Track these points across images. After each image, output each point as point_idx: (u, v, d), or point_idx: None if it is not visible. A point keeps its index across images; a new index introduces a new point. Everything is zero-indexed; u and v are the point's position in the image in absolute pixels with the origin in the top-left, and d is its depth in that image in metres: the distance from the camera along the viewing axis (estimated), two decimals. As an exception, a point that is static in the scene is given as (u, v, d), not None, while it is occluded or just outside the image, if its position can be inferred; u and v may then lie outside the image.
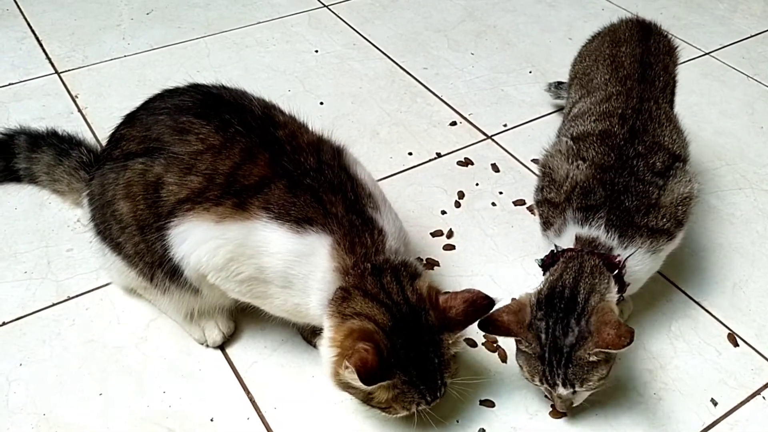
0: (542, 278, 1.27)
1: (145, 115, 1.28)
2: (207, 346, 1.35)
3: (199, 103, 1.24)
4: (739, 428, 1.28)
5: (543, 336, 1.16)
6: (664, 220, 1.28)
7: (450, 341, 1.14)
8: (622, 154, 1.33)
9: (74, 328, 1.37)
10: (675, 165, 1.35)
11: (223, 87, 1.31)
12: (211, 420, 1.24)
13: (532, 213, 1.68)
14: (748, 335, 1.43)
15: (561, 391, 1.18)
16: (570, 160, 1.36)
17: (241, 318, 1.38)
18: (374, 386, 1.08)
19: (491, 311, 1.15)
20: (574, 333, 1.15)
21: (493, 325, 1.17)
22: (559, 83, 1.99)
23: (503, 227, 1.65)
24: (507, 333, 1.18)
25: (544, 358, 1.16)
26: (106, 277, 1.45)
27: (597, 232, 1.26)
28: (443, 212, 1.68)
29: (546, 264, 1.28)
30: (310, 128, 1.29)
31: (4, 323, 1.37)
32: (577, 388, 1.17)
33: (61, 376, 1.29)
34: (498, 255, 1.58)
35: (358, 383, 1.06)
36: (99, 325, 1.38)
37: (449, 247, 1.58)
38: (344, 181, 1.20)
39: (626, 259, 1.24)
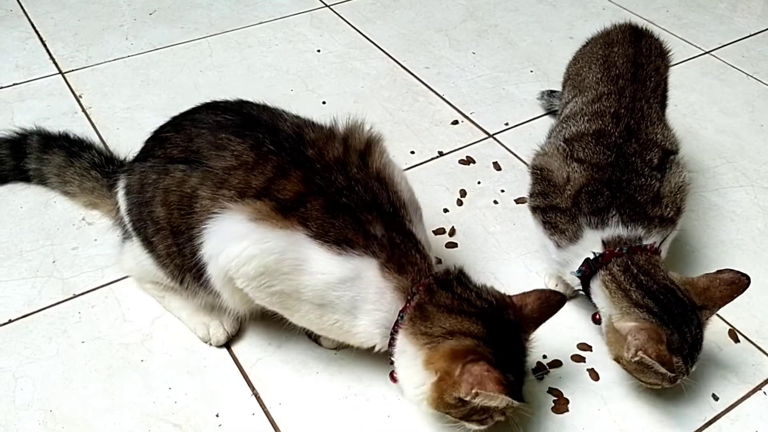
0: (575, 283, 1.32)
1: (190, 126, 1.27)
2: (211, 344, 1.36)
3: (239, 122, 1.24)
4: (740, 423, 1.29)
5: (683, 344, 1.18)
6: (668, 209, 1.33)
7: (527, 342, 1.15)
8: (621, 152, 1.35)
9: (80, 325, 1.38)
10: (669, 159, 1.38)
11: (264, 106, 1.31)
12: (217, 416, 1.25)
13: (533, 211, 1.69)
14: (748, 331, 1.44)
15: (692, 370, 1.22)
16: (567, 162, 1.37)
17: (253, 318, 1.39)
18: (504, 404, 1.06)
19: (659, 355, 1.14)
20: (696, 320, 1.20)
21: (671, 361, 1.16)
22: (552, 92, 2.00)
23: (505, 225, 1.66)
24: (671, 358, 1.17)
25: (687, 360, 1.19)
26: (112, 275, 1.46)
27: (619, 230, 1.28)
28: (445, 210, 1.69)
29: (586, 275, 1.29)
30: (335, 130, 1.26)
31: (10, 321, 1.38)
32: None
33: (67, 373, 1.30)
34: (500, 252, 1.59)
35: (492, 403, 1.05)
36: (105, 323, 1.39)
37: (451, 245, 1.59)
38: (377, 192, 1.18)
39: (661, 243, 1.30)
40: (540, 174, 1.41)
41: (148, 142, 1.35)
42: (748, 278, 1.18)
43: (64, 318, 1.39)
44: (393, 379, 1.22)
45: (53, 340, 1.35)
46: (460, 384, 1.05)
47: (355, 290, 1.13)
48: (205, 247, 1.16)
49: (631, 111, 1.43)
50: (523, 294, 1.18)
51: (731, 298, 1.22)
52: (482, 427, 1.15)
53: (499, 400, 1.05)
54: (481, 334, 1.10)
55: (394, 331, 1.15)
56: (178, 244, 1.21)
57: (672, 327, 1.18)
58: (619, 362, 1.23)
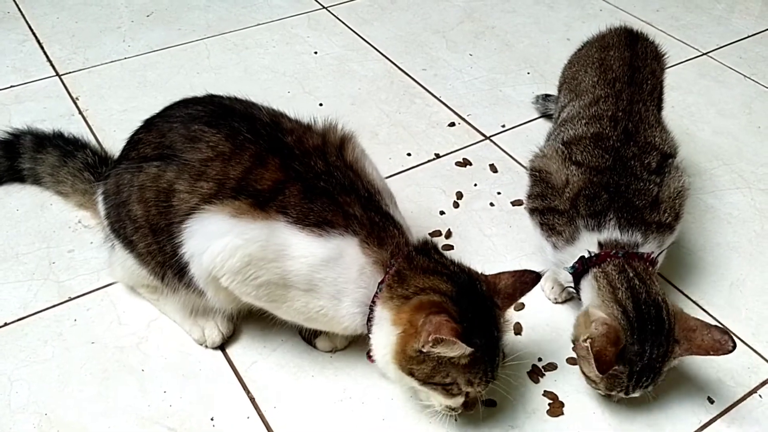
0: (569, 283, 1.32)
1: (161, 122, 1.29)
2: (206, 346, 1.36)
3: (211, 113, 1.26)
4: (735, 426, 1.29)
5: (637, 359, 1.16)
6: (666, 214, 1.32)
7: (502, 318, 1.17)
8: (619, 155, 1.35)
9: (76, 328, 1.38)
10: (667, 162, 1.38)
11: (236, 98, 1.33)
12: (212, 419, 1.25)
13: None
14: (744, 334, 1.44)
15: (636, 395, 1.21)
16: (566, 165, 1.37)
17: (241, 318, 1.39)
18: (459, 352, 1.07)
19: (597, 348, 1.13)
20: (664, 347, 1.17)
21: (609, 364, 1.14)
22: (547, 95, 2.00)
23: (501, 227, 1.66)
24: (615, 365, 1.16)
25: (632, 377, 1.18)
26: (108, 278, 1.46)
27: (616, 234, 1.28)
28: (442, 212, 1.69)
29: (579, 272, 1.29)
30: (313, 123, 1.30)
31: (6, 324, 1.38)
32: (649, 390, 1.21)
33: (62, 376, 1.30)
34: (496, 255, 1.59)
35: (447, 352, 1.07)
36: (100, 326, 1.39)
37: (448, 248, 1.59)
38: (353, 179, 1.22)
39: (659, 254, 1.29)
40: (539, 176, 1.41)
41: (123, 148, 1.35)
42: (734, 347, 1.15)
43: (60, 321, 1.39)
44: (369, 357, 1.22)
45: (49, 343, 1.35)
46: (420, 333, 1.08)
47: (338, 270, 1.14)
48: (186, 245, 1.17)
49: (629, 114, 1.42)
50: (500, 273, 1.21)
51: (708, 352, 1.17)
52: (451, 401, 1.16)
53: (456, 349, 1.06)
54: (450, 292, 1.13)
55: (372, 303, 1.17)
56: (157, 242, 1.22)
57: (637, 339, 1.17)
58: (573, 345, 1.25)
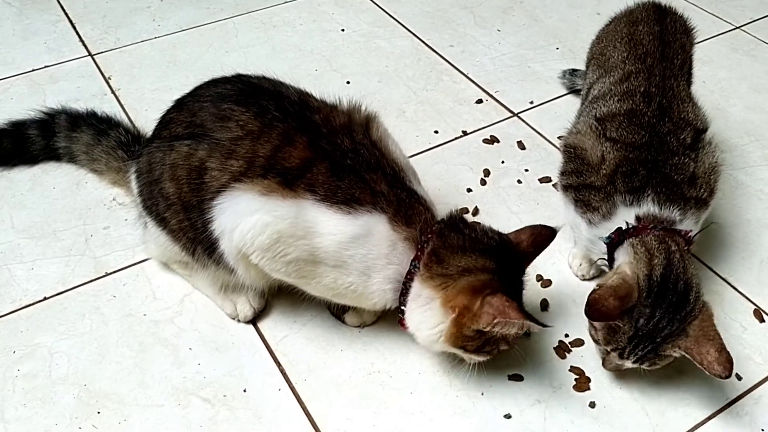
0: (603, 255, 1.32)
1: (192, 102, 1.31)
2: (239, 320, 1.39)
3: (240, 91, 1.27)
4: (763, 403, 1.29)
5: (643, 322, 1.16)
6: (702, 189, 1.32)
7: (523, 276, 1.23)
8: (655, 131, 1.34)
9: (112, 302, 1.42)
10: (700, 138, 1.37)
11: (264, 77, 1.34)
12: (244, 391, 1.28)
13: (558, 190, 1.68)
14: (774, 311, 1.43)
15: (628, 365, 1.21)
16: (600, 141, 1.37)
17: (272, 294, 1.42)
18: (521, 329, 1.14)
19: (597, 293, 1.16)
20: (673, 327, 1.16)
21: (600, 314, 1.16)
22: (574, 70, 1.98)
23: (529, 204, 1.66)
24: (611, 319, 1.17)
25: (633, 340, 1.18)
26: (142, 254, 1.50)
27: (654, 209, 1.28)
28: (469, 190, 1.70)
29: (614, 243, 1.29)
30: (338, 103, 1.31)
31: (45, 298, 1.43)
32: (644, 366, 1.21)
33: (100, 349, 1.34)
34: (523, 232, 1.59)
35: (512, 330, 1.13)
36: (136, 300, 1.43)
37: (475, 224, 1.60)
38: (379, 157, 1.23)
39: (696, 234, 1.28)
40: (573, 153, 1.41)
41: (155, 127, 1.38)
42: (727, 377, 1.13)
43: (97, 296, 1.44)
44: (403, 325, 1.25)
45: (86, 316, 1.40)
46: (481, 316, 1.12)
47: (367, 247, 1.16)
48: (217, 222, 1.19)
49: (662, 90, 1.41)
50: (518, 231, 1.24)
51: (702, 365, 1.14)
52: (487, 358, 1.23)
53: (520, 326, 1.13)
54: (494, 268, 1.16)
55: (407, 281, 1.19)
56: (189, 218, 1.24)
57: (651, 302, 1.16)
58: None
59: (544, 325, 1.15)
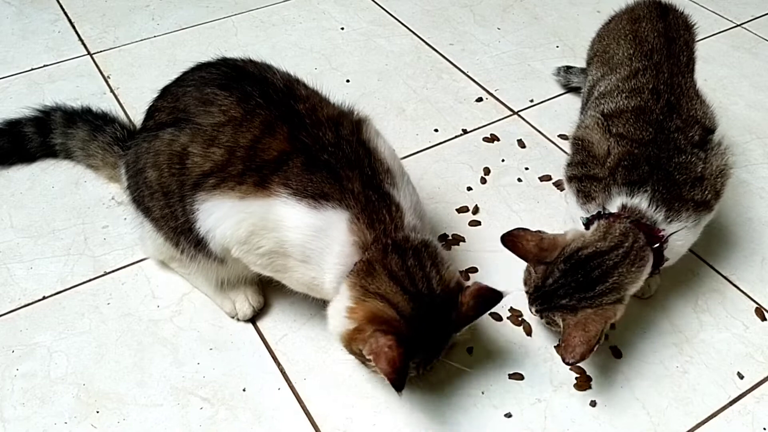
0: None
1: (175, 87, 1.32)
2: (238, 319, 1.39)
3: (224, 75, 1.27)
4: (765, 402, 1.28)
5: (549, 282, 1.22)
6: (706, 192, 1.30)
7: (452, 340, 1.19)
8: (662, 128, 1.34)
9: (111, 302, 1.42)
10: (709, 137, 1.36)
11: (250, 60, 1.34)
12: (244, 390, 1.28)
13: (558, 188, 1.68)
14: (776, 309, 1.43)
15: (533, 312, 1.28)
16: (606, 136, 1.36)
17: (271, 292, 1.42)
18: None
19: (525, 232, 1.24)
20: (569, 301, 1.20)
21: (514, 246, 1.25)
22: (569, 67, 1.97)
23: (529, 203, 1.66)
24: (521, 256, 1.26)
25: (537, 291, 1.24)
26: (141, 253, 1.50)
27: (643, 204, 1.27)
28: (469, 188, 1.69)
29: (589, 222, 1.30)
30: (333, 102, 1.31)
31: (44, 297, 1.43)
32: (543, 321, 1.30)
33: (99, 348, 1.34)
34: (524, 230, 1.58)
35: (380, 374, 1.11)
36: (135, 299, 1.42)
37: (475, 223, 1.60)
38: (362, 156, 1.21)
39: (671, 234, 1.26)
40: (581, 144, 1.40)
41: (143, 120, 1.38)
42: (569, 362, 1.19)
43: (96, 295, 1.43)
44: None
45: (86, 316, 1.39)
46: (365, 343, 1.11)
47: (325, 241, 1.16)
48: (201, 223, 1.21)
49: (671, 87, 1.40)
50: (467, 289, 1.17)
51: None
52: (376, 375, 1.22)
53: (386, 376, 1.09)
54: (407, 313, 1.12)
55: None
56: (169, 205, 1.25)
57: (562, 273, 1.21)
58: None
59: (399, 394, 1.13)
